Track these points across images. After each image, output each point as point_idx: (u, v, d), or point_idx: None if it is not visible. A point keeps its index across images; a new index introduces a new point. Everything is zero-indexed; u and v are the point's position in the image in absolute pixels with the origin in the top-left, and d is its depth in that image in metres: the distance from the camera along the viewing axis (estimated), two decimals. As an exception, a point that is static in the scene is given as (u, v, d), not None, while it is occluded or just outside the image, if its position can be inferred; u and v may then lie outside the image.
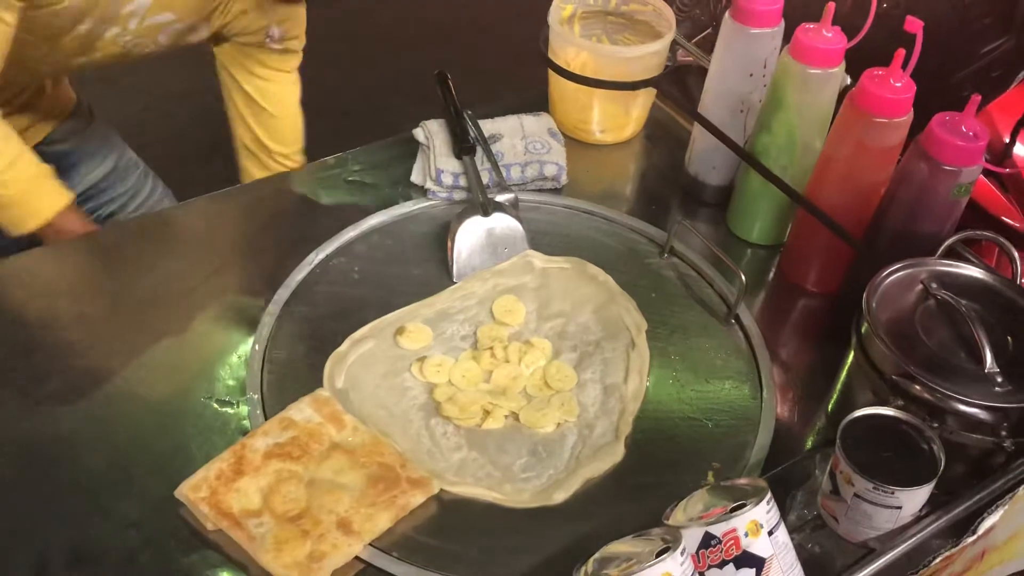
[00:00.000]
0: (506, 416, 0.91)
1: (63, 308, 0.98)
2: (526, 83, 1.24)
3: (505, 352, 0.96)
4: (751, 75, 1.04)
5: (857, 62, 0.95)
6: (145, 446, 0.85)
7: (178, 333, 0.96)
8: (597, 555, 0.66)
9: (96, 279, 1.04)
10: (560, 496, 0.84)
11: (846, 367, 0.88)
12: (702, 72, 1.12)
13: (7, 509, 0.80)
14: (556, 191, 1.14)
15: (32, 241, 1.20)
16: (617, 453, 0.88)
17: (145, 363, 0.93)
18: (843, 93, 0.96)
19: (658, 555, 0.61)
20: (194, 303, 0.99)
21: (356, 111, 2.39)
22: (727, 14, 1.03)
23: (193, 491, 0.78)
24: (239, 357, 0.93)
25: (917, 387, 0.77)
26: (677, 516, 0.70)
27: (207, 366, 0.93)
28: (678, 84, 1.25)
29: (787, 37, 0.99)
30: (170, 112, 2.58)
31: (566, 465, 0.87)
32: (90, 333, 0.95)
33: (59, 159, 1.27)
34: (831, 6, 0.94)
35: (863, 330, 0.83)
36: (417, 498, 0.81)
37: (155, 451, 0.85)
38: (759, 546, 0.64)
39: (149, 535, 0.78)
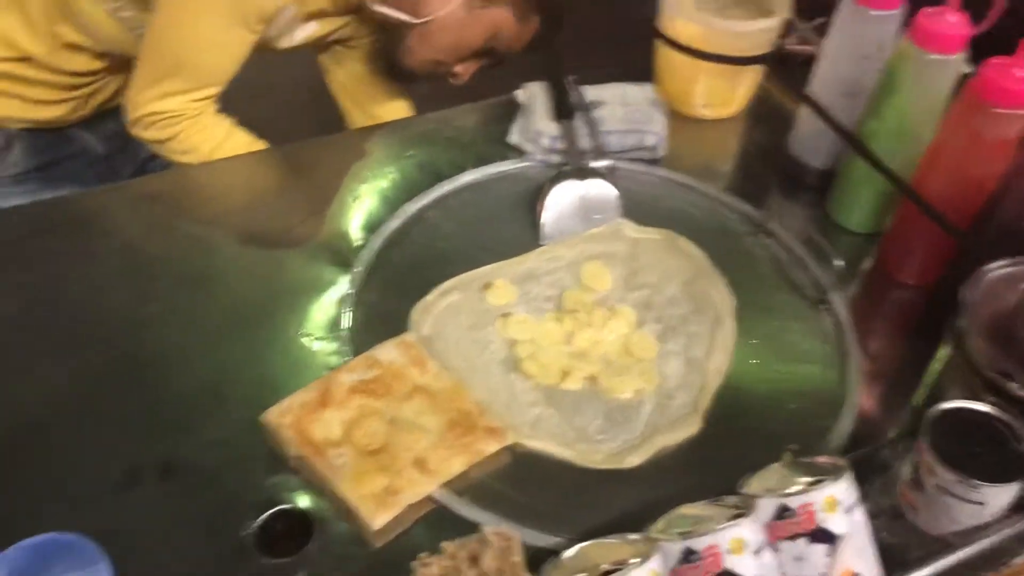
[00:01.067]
0: (584, 378, 0.91)
1: (161, 236, 1.02)
2: (632, 53, 1.23)
3: (588, 317, 0.96)
4: (865, 58, 1.02)
5: (980, 50, 0.92)
6: (237, 372, 0.88)
7: (274, 269, 0.99)
8: (670, 514, 0.66)
9: (198, 211, 1.08)
10: (633, 461, 0.84)
11: (938, 361, 0.86)
12: (815, 57, 1.10)
13: (108, 419, 0.84)
14: (654, 162, 1.14)
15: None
16: (693, 425, 0.87)
17: (241, 295, 0.96)
18: (960, 82, 0.94)
19: (731, 520, 0.61)
20: (291, 241, 1.02)
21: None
22: (847, -6, 1.00)
23: (279, 417, 0.81)
24: (331, 297, 0.96)
25: (1014, 385, 0.75)
26: (753, 486, 0.69)
27: (300, 302, 0.95)
28: (788, 64, 1.23)
29: (906, 21, 0.97)
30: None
31: (641, 432, 0.87)
32: (186, 263, 0.99)
33: None
34: (958, -10, 0.91)
35: (960, 324, 0.81)
36: (492, 446, 0.83)
37: (246, 377, 0.88)
38: (834, 523, 0.64)
39: (234, 455, 0.82)
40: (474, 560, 0.57)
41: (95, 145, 1.38)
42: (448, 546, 0.58)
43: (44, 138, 1.31)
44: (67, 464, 0.80)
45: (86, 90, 1.30)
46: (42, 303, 0.94)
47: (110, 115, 1.36)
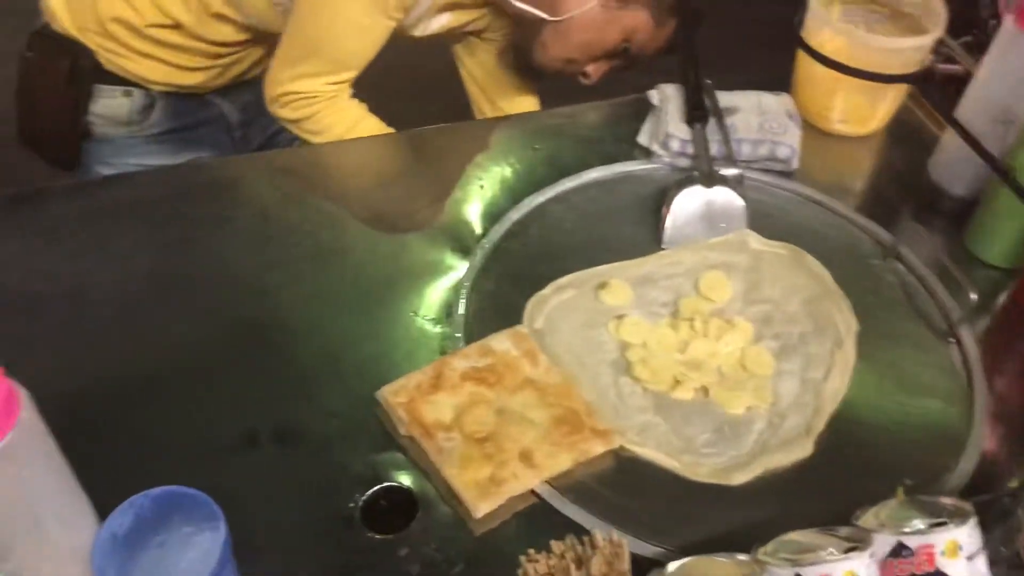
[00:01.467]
0: (696, 389, 0.90)
1: (292, 208, 1.05)
2: (771, 61, 1.21)
3: (705, 327, 0.95)
4: (1023, 84, 0.97)
5: None
6: (354, 346, 0.90)
7: (396, 249, 1.01)
8: (779, 539, 0.65)
9: (328, 188, 1.11)
10: (739, 478, 0.83)
11: (1075, 410, 0.82)
12: (962, 79, 1.06)
13: (231, 382, 0.87)
14: (785, 174, 1.11)
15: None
16: (805, 448, 0.85)
17: (363, 272, 0.98)
18: None
19: (845, 552, 0.59)
20: (414, 224, 1.04)
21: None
22: (1009, 17, 0.96)
23: (393, 395, 0.83)
24: (448, 282, 0.97)
25: None
26: (868, 519, 0.67)
27: (418, 284, 0.97)
28: (933, 83, 1.18)
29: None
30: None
31: (750, 449, 0.86)
32: (313, 236, 1.02)
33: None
34: None
35: (1105, 374, 0.77)
36: (598, 448, 0.82)
37: (362, 352, 0.90)
38: (954, 569, 0.61)
39: (346, 427, 0.84)
40: (581, 562, 0.57)
41: (231, 113, 1.43)
42: (556, 545, 0.58)
43: (184, 102, 1.36)
44: (190, 421, 0.84)
45: (227, 60, 1.35)
46: (174, 262, 0.98)
47: (247, 85, 1.41)
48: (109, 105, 1.30)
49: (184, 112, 1.37)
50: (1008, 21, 0.95)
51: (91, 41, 1.26)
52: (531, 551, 0.57)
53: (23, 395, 0.58)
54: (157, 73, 1.31)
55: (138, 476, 0.70)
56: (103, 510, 0.67)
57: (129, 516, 0.67)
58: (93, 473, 0.68)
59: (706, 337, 0.94)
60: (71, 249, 0.98)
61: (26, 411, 0.58)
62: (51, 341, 0.90)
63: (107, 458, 0.78)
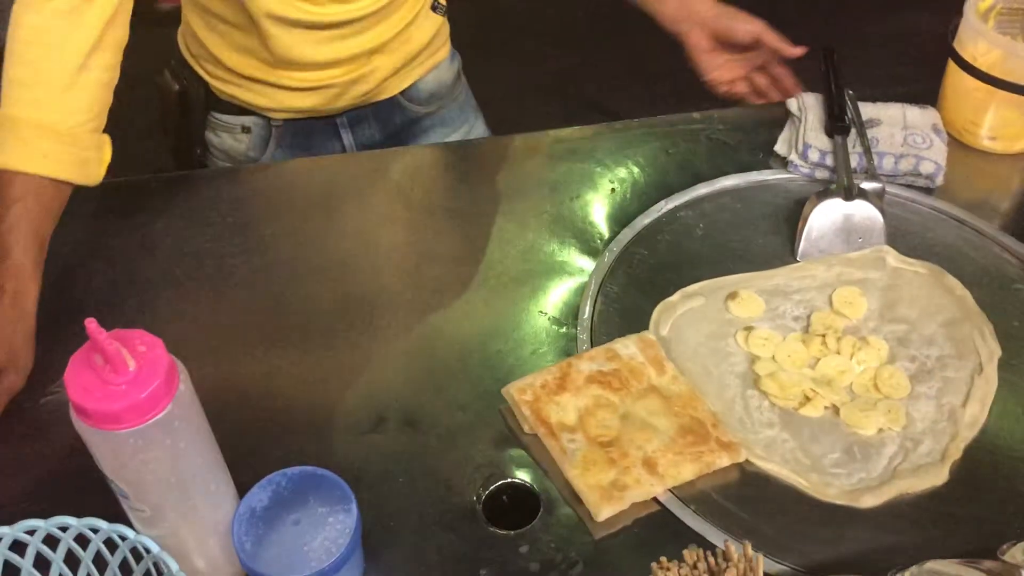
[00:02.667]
0: (826, 407, 0.88)
1: (424, 205, 1.07)
2: (916, 74, 1.16)
3: (838, 343, 0.92)
4: None
5: None
6: (483, 342, 0.92)
7: (528, 247, 1.02)
8: (919, 566, 0.63)
9: (472, 184, 1.12)
10: (869, 501, 0.80)
11: None
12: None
13: (364, 369, 0.90)
14: (927, 191, 1.07)
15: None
16: (940, 476, 0.82)
17: (493, 268, 0.99)
18: None
19: (992, 588, 0.57)
20: (544, 224, 1.04)
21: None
22: None
23: (519, 392, 0.84)
24: (575, 283, 0.97)
25: None
26: (1015, 554, 0.64)
27: (546, 284, 0.98)
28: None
29: None
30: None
31: (880, 473, 0.83)
32: (451, 235, 1.04)
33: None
34: None
35: None
36: (723, 460, 0.81)
37: (490, 348, 0.91)
38: (1109, 615, 0.58)
39: (471, 420, 0.85)
40: (712, 574, 0.56)
41: (350, 143, 1.31)
42: (688, 554, 0.57)
43: (303, 130, 1.25)
44: (325, 405, 0.86)
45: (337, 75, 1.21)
46: (316, 251, 1.01)
47: (371, 112, 1.28)
48: (225, 141, 1.24)
49: (303, 145, 1.26)
50: None
51: (202, 69, 1.20)
52: (663, 559, 0.57)
53: (182, 369, 0.62)
54: (265, 99, 1.19)
55: (274, 454, 0.73)
56: (243, 487, 0.70)
57: (267, 492, 0.70)
58: (233, 449, 0.71)
59: (838, 354, 0.91)
60: (217, 234, 1.03)
61: (184, 384, 0.61)
62: (197, 319, 0.94)
63: (247, 435, 0.81)
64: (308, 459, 0.72)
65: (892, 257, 0.99)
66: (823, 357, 0.91)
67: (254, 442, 0.81)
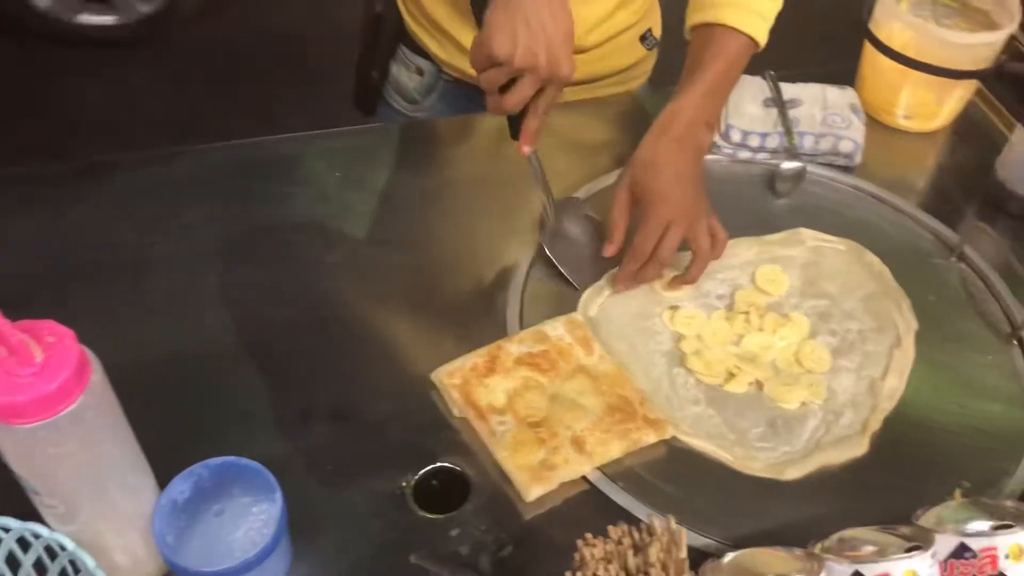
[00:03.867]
0: (750, 383, 0.89)
1: (351, 190, 1.06)
2: (835, 54, 1.19)
3: (760, 320, 0.94)
4: (1100, 83, 0.94)
5: None
6: (411, 328, 0.91)
7: (452, 233, 1.01)
8: (838, 535, 0.64)
9: (390, 169, 1.11)
10: (792, 473, 0.82)
11: None
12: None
13: (288, 358, 0.88)
14: (847, 169, 1.10)
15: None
16: (860, 447, 0.84)
17: (419, 253, 0.99)
18: None
19: (907, 551, 0.59)
20: (468, 209, 1.04)
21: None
22: (1088, 13, 0.93)
23: (448, 377, 0.83)
24: (505, 267, 0.97)
25: None
26: (928, 519, 0.66)
27: (475, 268, 0.97)
28: (1006, 83, 1.15)
29: None
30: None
31: (803, 446, 0.85)
32: (371, 220, 1.03)
33: None
34: None
35: None
36: (650, 437, 0.82)
37: (418, 334, 0.91)
38: (1018, 573, 0.60)
39: (400, 408, 0.84)
40: (637, 549, 0.57)
41: None
42: (613, 530, 0.58)
43: (465, 93, 1.21)
44: (247, 394, 0.85)
45: None
46: (238, 238, 0.99)
47: None
48: (401, 76, 1.24)
49: (463, 106, 1.21)
50: (1086, 18, 0.93)
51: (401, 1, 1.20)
52: (588, 536, 0.57)
53: (94, 359, 0.60)
54: (445, 52, 1.17)
55: (197, 447, 0.71)
56: (163, 479, 0.69)
57: (189, 484, 0.68)
58: (154, 443, 0.70)
59: (761, 331, 0.93)
60: (137, 221, 1.00)
61: (96, 375, 0.59)
62: (115, 310, 0.91)
63: (168, 429, 0.79)
64: (232, 452, 0.71)
65: (808, 236, 1.01)
66: (747, 334, 0.93)
67: (175, 435, 0.78)
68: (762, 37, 0.95)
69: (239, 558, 0.65)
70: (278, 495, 0.67)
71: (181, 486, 0.68)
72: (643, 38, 1.20)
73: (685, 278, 0.95)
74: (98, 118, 2.52)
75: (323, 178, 1.06)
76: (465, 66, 1.15)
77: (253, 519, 0.68)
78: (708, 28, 0.95)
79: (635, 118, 1.16)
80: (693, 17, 0.97)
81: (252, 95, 2.61)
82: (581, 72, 1.15)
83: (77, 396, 0.57)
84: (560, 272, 0.95)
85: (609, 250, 0.95)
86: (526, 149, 0.90)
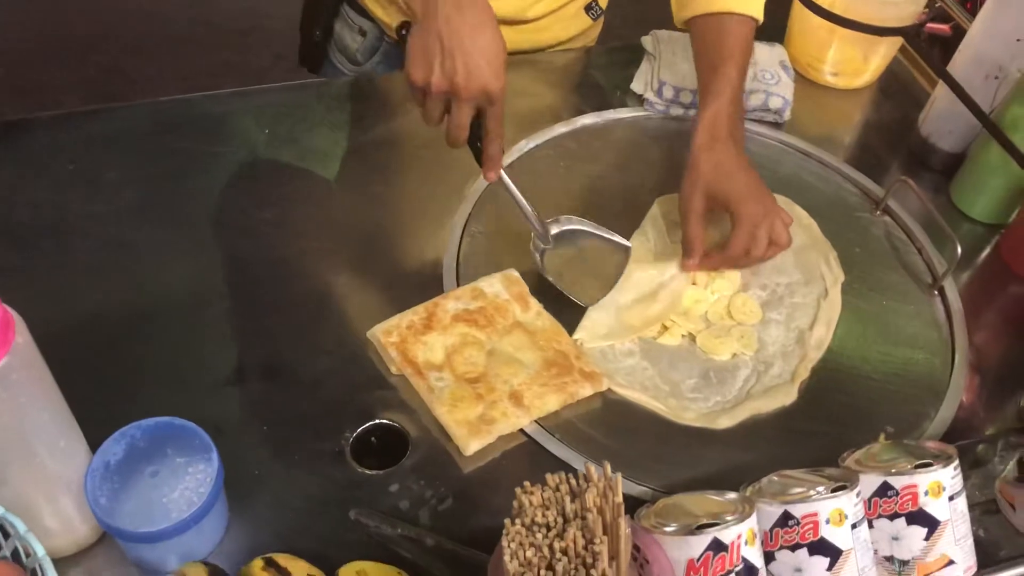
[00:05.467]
0: (683, 336, 0.91)
1: (283, 146, 1.04)
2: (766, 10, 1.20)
3: (693, 275, 0.95)
4: (1017, 40, 0.97)
5: None
6: (346, 285, 0.90)
7: (390, 190, 1.00)
8: (768, 478, 0.66)
9: (322, 124, 1.09)
10: (724, 423, 0.84)
11: (1053, 362, 0.84)
12: (947, 38, 1.06)
13: (221, 318, 0.87)
14: (776, 125, 1.11)
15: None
16: (789, 395, 0.87)
17: (354, 211, 0.98)
18: (1119, 76, 0.89)
19: (833, 491, 0.61)
20: (406, 166, 1.03)
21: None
22: (1005, -29, 0.96)
23: (385, 335, 0.83)
24: (440, 224, 0.97)
25: None
26: (854, 461, 0.69)
27: (412, 225, 0.97)
28: (926, 38, 1.18)
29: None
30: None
31: (735, 395, 0.87)
32: (304, 177, 1.01)
33: None
34: None
35: (1085, 327, 0.79)
36: (586, 390, 0.83)
37: (354, 291, 0.90)
38: (936, 508, 0.63)
39: (337, 366, 0.84)
40: (575, 495, 0.58)
41: None
42: (551, 478, 0.59)
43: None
44: (180, 355, 0.83)
45: None
46: (163, 197, 0.96)
47: None
48: (344, 35, 1.22)
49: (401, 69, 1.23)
50: (1004, -24, 0.95)
51: None
52: (527, 483, 0.58)
53: (18, 320, 0.58)
54: (387, 14, 1.15)
55: (130, 409, 0.70)
56: (95, 442, 0.67)
57: (121, 446, 0.67)
58: (85, 405, 0.68)
59: (694, 284, 0.94)
60: (57, 181, 0.97)
61: (21, 336, 0.58)
62: (38, 273, 0.89)
63: (98, 391, 0.77)
64: (166, 412, 0.70)
65: (743, 190, 1.03)
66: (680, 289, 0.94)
67: (107, 397, 0.77)
68: (761, 14, 0.97)
69: (175, 519, 0.64)
70: (214, 455, 0.67)
71: (114, 448, 0.67)
72: (588, 8, 1.20)
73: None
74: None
75: (253, 136, 1.04)
76: None
77: (189, 479, 0.67)
78: (715, 18, 0.94)
79: (569, 76, 1.16)
80: (694, 7, 0.97)
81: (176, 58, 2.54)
82: (525, 42, 1.16)
83: (1, 358, 0.56)
84: (496, 228, 0.95)
85: (690, 265, 0.92)
86: (491, 176, 0.86)
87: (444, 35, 0.77)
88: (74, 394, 0.66)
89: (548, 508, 0.57)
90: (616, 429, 0.83)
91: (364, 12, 1.18)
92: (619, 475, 0.58)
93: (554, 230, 0.89)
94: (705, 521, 0.59)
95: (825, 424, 0.85)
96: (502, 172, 0.86)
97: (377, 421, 0.80)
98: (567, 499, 0.57)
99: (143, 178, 0.98)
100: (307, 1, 1.23)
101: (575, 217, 0.90)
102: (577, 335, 0.88)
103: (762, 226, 0.89)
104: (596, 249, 0.90)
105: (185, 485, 0.67)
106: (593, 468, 0.59)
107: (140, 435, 0.67)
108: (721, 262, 0.93)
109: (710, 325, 0.92)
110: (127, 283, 0.88)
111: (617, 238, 0.90)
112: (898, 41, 1.17)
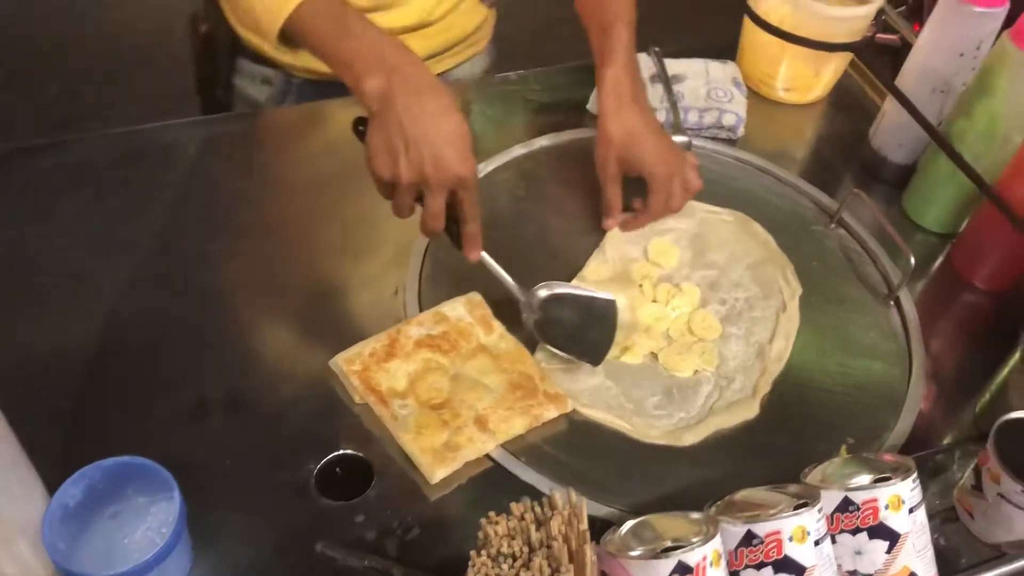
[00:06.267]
0: (645, 354, 0.91)
1: (240, 175, 1.03)
2: (717, 29, 1.22)
3: (653, 291, 0.96)
4: (961, 55, 0.99)
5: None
6: (307, 314, 0.90)
7: (349, 215, 1.00)
8: (730, 497, 0.67)
9: (278, 152, 1.09)
10: (688, 439, 0.85)
11: (1006, 369, 0.85)
12: (897, 49, 1.08)
13: (181, 351, 0.86)
14: (730, 142, 1.13)
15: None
16: (751, 410, 0.87)
17: (313, 238, 0.97)
18: (1059, 88, 0.91)
19: (795, 508, 0.61)
20: (363, 190, 1.02)
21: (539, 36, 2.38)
22: (948, -13, 0.98)
23: (347, 363, 0.83)
24: (401, 248, 0.96)
25: (1086, 401, 0.74)
26: (815, 477, 0.69)
27: (371, 250, 0.96)
28: (875, 52, 1.21)
29: (1008, 20, 0.94)
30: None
31: (698, 412, 0.88)
32: (260, 206, 1.00)
33: None
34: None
35: (1035, 334, 0.80)
36: (551, 412, 0.83)
37: (315, 320, 0.89)
38: (897, 521, 0.64)
39: (300, 396, 0.83)
40: (540, 524, 0.58)
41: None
42: (516, 507, 0.59)
43: (322, 92, 1.15)
44: (140, 390, 0.82)
45: None
46: (119, 230, 0.95)
47: None
48: (247, 88, 1.19)
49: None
50: (947, -8, 0.98)
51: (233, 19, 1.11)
52: (491, 514, 0.58)
53: (-31, 366, 0.57)
54: (292, 55, 1.11)
55: (89, 448, 0.69)
56: (54, 483, 0.66)
57: (80, 488, 0.66)
58: (42, 446, 0.67)
59: (655, 302, 0.95)
60: (13, 215, 0.95)
61: (-28, 382, 0.57)
62: (-9, 309, 0.87)
63: (56, 430, 0.77)
64: (125, 451, 0.69)
65: (699, 208, 1.04)
66: (641, 306, 0.95)
67: (65, 436, 0.76)
68: None
69: (137, 560, 0.63)
70: (175, 493, 0.66)
71: (72, 490, 0.66)
72: None
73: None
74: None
75: (208, 165, 1.04)
76: (317, 64, 1.08)
77: (151, 519, 0.67)
78: None
79: (526, 97, 1.17)
80: None
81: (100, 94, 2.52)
82: (433, 44, 1.17)
83: (-48, 404, 0.55)
84: (458, 251, 0.95)
85: (611, 224, 1.00)
86: (474, 256, 0.87)
87: (405, 125, 0.78)
88: (31, 434, 0.65)
89: (513, 538, 0.57)
90: (582, 450, 0.83)
91: (264, 60, 1.16)
92: (583, 501, 0.58)
93: (541, 294, 0.89)
94: (670, 544, 0.59)
95: (787, 437, 0.86)
96: (483, 252, 0.87)
97: (341, 451, 0.79)
98: (532, 528, 0.57)
99: (100, 211, 0.97)
100: (198, 63, 1.21)
101: (555, 282, 0.91)
102: (539, 354, 0.88)
103: (675, 181, 0.97)
104: (585, 306, 0.90)
105: (147, 525, 0.66)
106: (558, 495, 0.59)
107: (99, 476, 0.67)
108: (646, 220, 1.00)
109: (672, 342, 0.93)
110: (83, 318, 0.87)
111: (600, 294, 0.91)
112: (848, 56, 1.19)
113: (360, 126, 0.84)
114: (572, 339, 0.88)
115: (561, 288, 0.90)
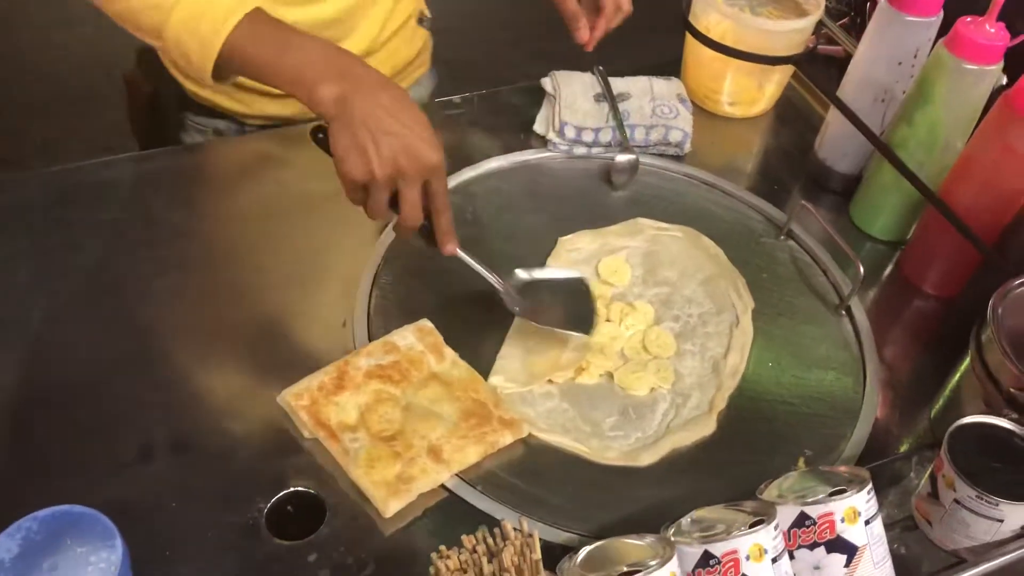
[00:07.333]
0: (600, 374, 0.91)
1: (180, 209, 1.01)
2: (660, 46, 1.22)
3: (607, 311, 0.95)
4: (899, 64, 1.00)
5: (1017, 62, 0.91)
6: (256, 348, 0.88)
7: (292, 247, 0.98)
8: (687, 517, 0.66)
9: (219, 185, 1.07)
10: (646, 459, 0.84)
11: (958, 373, 0.86)
12: (842, 60, 1.09)
13: (122, 392, 0.83)
14: (678, 158, 1.13)
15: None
16: (708, 426, 0.87)
17: (257, 271, 0.95)
18: (995, 93, 0.92)
19: (751, 526, 0.61)
20: (308, 221, 1.01)
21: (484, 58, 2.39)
22: (883, -1, 0.99)
23: (295, 399, 0.81)
24: (349, 278, 0.95)
25: (1036, 403, 0.75)
26: (771, 492, 0.69)
27: (317, 281, 0.95)
28: (816, 64, 1.22)
29: (943, 29, 0.96)
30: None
31: (655, 430, 0.87)
32: (202, 240, 0.99)
33: None
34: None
35: (984, 338, 0.81)
36: (506, 438, 0.82)
37: (265, 354, 0.87)
38: (854, 533, 0.63)
39: (249, 433, 0.81)
40: (492, 555, 0.56)
41: None
42: (467, 540, 0.57)
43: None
44: (81, 438, 0.80)
45: None
46: (58, 271, 0.93)
47: None
48: (197, 141, 1.18)
49: None
50: (883, 2, 0.99)
51: (177, 70, 1.11)
52: (442, 548, 0.57)
53: None
54: (243, 104, 1.13)
55: (26, 499, 0.67)
56: (-12, 537, 0.64)
57: (16, 541, 0.64)
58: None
59: (608, 321, 0.95)
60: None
61: None
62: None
63: (-10, 481, 0.74)
64: (66, 499, 0.67)
65: (648, 225, 1.04)
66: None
67: (2, 488, 0.73)
68: None
69: (78, 614, 0.61)
70: (118, 541, 0.64)
71: (8, 544, 0.63)
72: (420, 20, 1.23)
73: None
74: None
75: (149, 201, 1.01)
76: (271, 108, 1.13)
77: (92, 570, 0.65)
78: None
79: (473, 119, 1.16)
80: None
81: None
82: (383, 71, 1.15)
83: None
84: (407, 278, 0.94)
85: (584, 33, 1.06)
86: (451, 248, 0.86)
87: (370, 123, 0.78)
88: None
89: (465, 572, 0.56)
90: (539, 475, 0.81)
91: (212, 112, 1.15)
92: (536, 532, 0.56)
93: (522, 277, 0.91)
94: (625, 569, 0.58)
95: (745, 453, 0.85)
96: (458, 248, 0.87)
97: (292, 489, 0.77)
98: (484, 560, 0.55)
99: (38, 251, 0.95)
100: (140, 128, 1.20)
101: (527, 267, 0.93)
102: (492, 379, 0.87)
103: None
104: (560, 286, 0.93)
105: (88, 577, 0.64)
106: (510, 524, 0.58)
107: (36, 527, 0.64)
108: (604, 25, 1.07)
109: (627, 361, 0.92)
110: (20, 364, 0.84)
111: (569, 273, 0.94)
112: (791, 68, 1.20)
113: (320, 134, 0.83)
114: (561, 316, 0.90)
115: (537, 273, 0.92)
